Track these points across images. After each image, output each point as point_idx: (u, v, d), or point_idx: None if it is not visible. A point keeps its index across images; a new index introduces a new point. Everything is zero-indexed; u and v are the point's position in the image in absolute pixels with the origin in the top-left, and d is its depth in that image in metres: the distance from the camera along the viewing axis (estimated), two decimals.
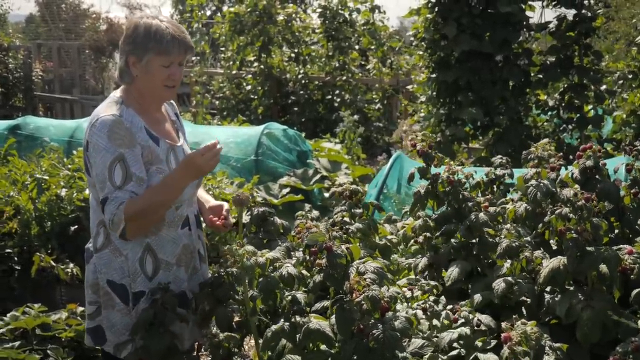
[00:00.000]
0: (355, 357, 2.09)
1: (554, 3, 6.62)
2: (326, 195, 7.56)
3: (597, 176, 2.66)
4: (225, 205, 2.74)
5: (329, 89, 12.68)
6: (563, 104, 6.74)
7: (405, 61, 13.48)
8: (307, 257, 2.34)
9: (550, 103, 6.87)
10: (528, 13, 6.88)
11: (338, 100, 12.48)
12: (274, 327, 2.27)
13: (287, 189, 7.06)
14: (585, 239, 2.33)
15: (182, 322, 2.56)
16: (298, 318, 2.24)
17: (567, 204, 2.32)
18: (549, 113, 6.95)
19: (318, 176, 7.43)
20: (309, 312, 2.38)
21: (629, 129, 6.56)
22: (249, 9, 12.37)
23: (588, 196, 2.37)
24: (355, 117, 10.07)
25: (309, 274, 2.48)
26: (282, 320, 2.27)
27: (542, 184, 2.60)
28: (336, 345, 2.21)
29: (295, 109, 12.62)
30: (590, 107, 6.71)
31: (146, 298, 2.58)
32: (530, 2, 6.78)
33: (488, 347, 2.34)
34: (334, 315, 2.25)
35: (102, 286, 2.61)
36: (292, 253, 2.71)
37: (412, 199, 5.35)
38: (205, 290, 2.64)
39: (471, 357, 2.34)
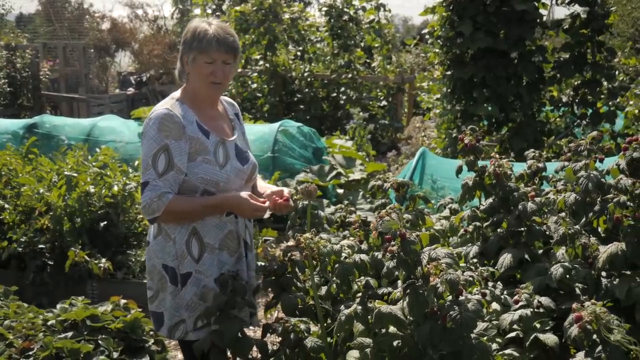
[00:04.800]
0: (430, 338, 2.20)
1: (567, 1, 6.76)
2: (340, 191, 7.67)
3: None
4: (286, 190, 2.91)
5: (334, 86, 12.78)
6: (577, 100, 6.88)
7: (404, 59, 13.59)
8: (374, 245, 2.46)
9: (564, 99, 7.00)
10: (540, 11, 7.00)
11: (343, 98, 12.59)
12: (346, 311, 2.38)
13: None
14: None
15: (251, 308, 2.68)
16: (370, 303, 2.35)
17: (625, 193, 2.44)
18: (562, 109, 7.09)
19: (334, 172, 7.52)
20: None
21: None
22: (254, 8, 12.45)
23: None
24: (365, 114, 10.16)
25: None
26: (354, 304, 2.38)
27: (592, 175, 2.72)
28: (408, 328, 2.32)
29: (301, 106, 12.70)
30: (602, 103, 6.84)
31: (192, 279, 2.76)
32: (543, 1, 6.91)
33: (547, 328, 2.47)
34: (400, 300, 2.38)
35: (158, 270, 2.82)
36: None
37: (436, 192, 5.53)
38: (269, 279, 2.76)
39: (530, 338, 2.46)
